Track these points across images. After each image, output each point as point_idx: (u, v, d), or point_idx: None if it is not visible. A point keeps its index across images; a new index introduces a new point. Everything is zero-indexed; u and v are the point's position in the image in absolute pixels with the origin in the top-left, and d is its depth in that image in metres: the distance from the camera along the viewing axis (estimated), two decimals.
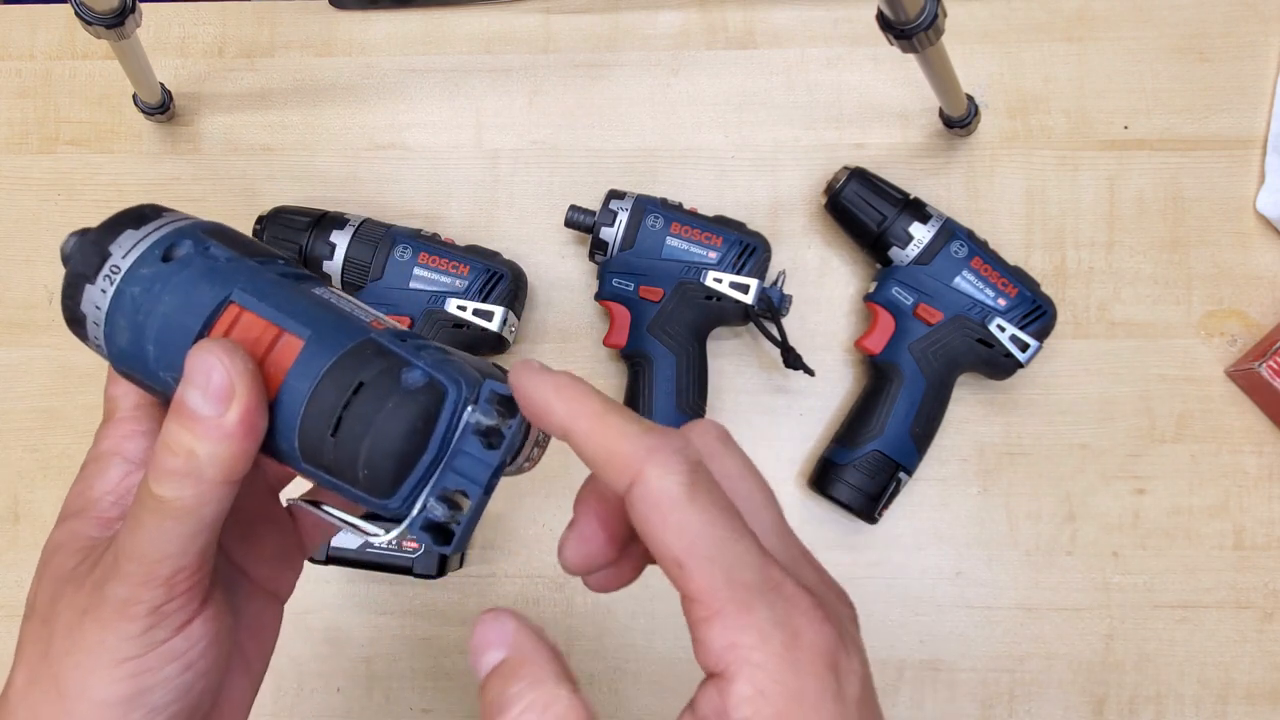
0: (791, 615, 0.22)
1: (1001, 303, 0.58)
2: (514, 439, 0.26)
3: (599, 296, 0.62)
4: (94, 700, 0.25)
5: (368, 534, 0.27)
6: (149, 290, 0.26)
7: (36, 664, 0.27)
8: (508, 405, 0.26)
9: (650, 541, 0.23)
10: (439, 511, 0.25)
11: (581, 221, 0.61)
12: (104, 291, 0.26)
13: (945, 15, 0.49)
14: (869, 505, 0.58)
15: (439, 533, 0.26)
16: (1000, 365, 0.59)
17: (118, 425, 0.29)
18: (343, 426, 0.24)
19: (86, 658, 0.25)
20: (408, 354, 0.25)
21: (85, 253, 0.26)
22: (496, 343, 0.60)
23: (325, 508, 0.29)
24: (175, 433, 0.24)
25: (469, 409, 0.25)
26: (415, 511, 0.25)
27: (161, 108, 0.65)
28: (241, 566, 0.31)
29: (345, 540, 0.57)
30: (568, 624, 0.62)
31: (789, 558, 0.25)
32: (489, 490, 0.25)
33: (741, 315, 0.61)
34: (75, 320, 0.27)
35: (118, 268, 0.26)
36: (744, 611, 0.22)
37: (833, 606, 0.24)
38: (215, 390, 0.24)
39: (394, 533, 0.26)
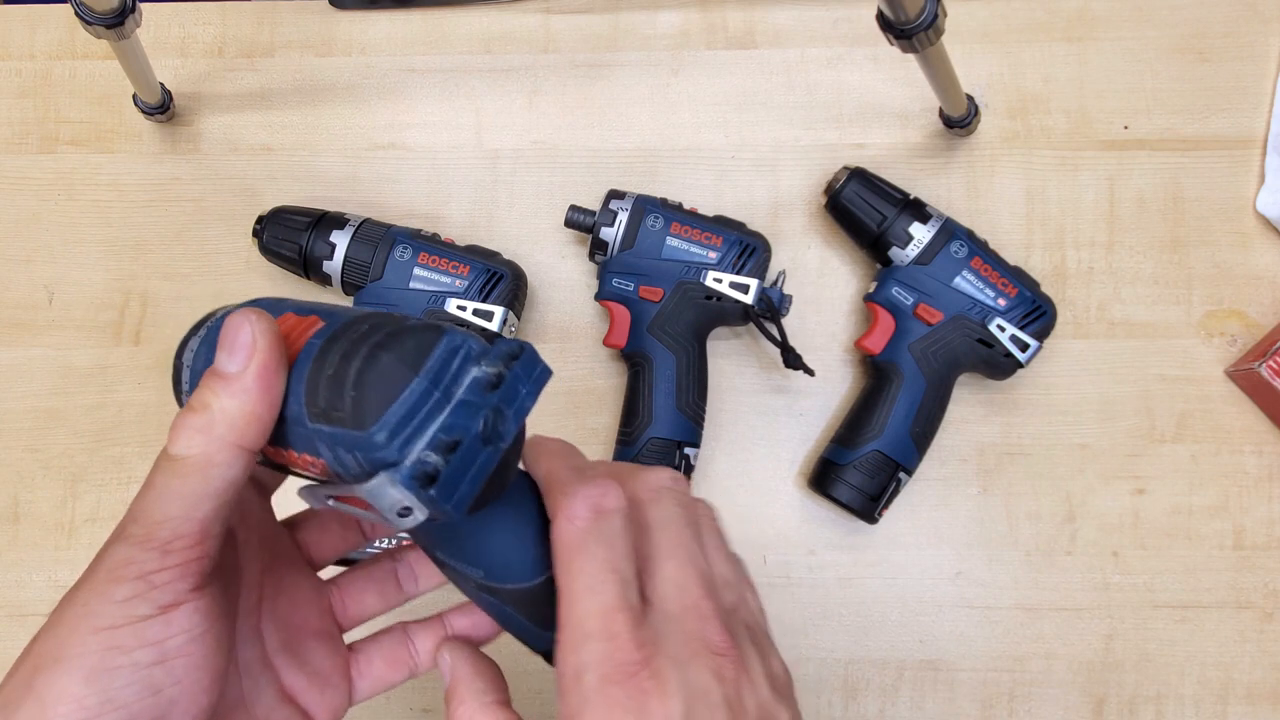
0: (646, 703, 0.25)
1: (1001, 303, 0.58)
2: (513, 387, 0.26)
3: (599, 296, 0.62)
4: (62, 671, 0.24)
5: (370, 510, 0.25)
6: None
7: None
8: (514, 361, 0.26)
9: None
10: (432, 459, 0.24)
11: (581, 221, 0.61)
12: None
13: (945, 15, 0.49)
14: (869, 505, 0.58)
15: (431, 482, 0.24)
16: (1000, 365, 0.59)
17: None
18: (340, 363, 0.25)
19: (63, 624, 0.24)
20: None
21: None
22: None
23: (323, 492, 0.27)
24: (199, 392, 0.26)
25: (478, 365, 0.25)
26: (410, 460, 0.24)
27: (161, 108, 0.65)
28: (289, 688, 0.32)
29: None
30: None
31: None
32: (487, 440, 0.25)
33: (741, 315, 0.61)
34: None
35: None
36: (599, 696, 0.25)
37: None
38: (241, 347, 0.25)
39: (392, 489, 0.24)
